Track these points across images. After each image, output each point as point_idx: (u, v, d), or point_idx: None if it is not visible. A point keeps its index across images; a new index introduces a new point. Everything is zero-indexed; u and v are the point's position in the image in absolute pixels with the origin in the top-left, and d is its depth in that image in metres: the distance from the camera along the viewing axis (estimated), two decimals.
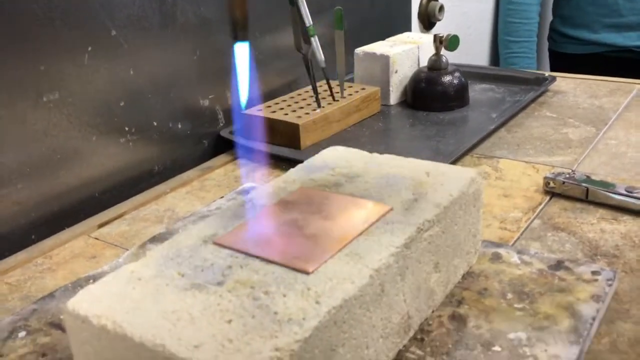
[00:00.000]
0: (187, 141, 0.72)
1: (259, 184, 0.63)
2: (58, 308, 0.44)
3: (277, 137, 0.72)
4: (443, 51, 0.83)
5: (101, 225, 0.59)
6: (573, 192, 0.58)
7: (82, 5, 0.59)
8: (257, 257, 0.35)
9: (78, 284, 0.47)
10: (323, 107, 0.75)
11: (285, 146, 0.72)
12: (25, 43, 0.55)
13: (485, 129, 0.73)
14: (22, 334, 0.42)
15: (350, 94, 0.80)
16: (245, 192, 0.59)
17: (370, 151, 0.71)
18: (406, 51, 0.85)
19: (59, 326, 0.42)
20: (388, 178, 0.44)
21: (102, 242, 0.56)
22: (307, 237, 0.37)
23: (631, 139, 0.71)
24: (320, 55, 0.74)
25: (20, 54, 0.54)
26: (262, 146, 0.72)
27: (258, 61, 0.80)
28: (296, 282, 0.33)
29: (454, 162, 0.66)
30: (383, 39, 0.92)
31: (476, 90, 0.89)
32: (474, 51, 1.48)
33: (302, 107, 0.76)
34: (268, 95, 0.81)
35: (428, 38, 0.89)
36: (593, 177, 0.59)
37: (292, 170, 0.47)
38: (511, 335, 0.39)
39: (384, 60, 0.83)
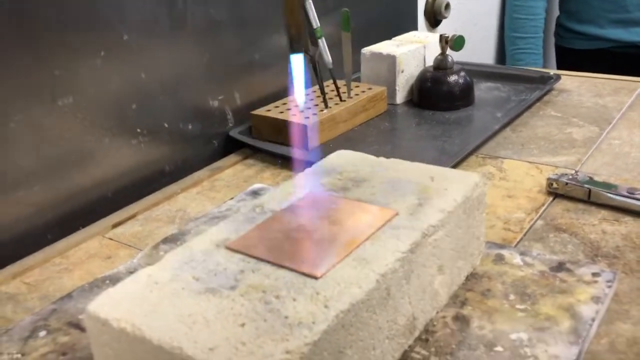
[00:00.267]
0: (197, 142, 0.73)
1: (268, 184, 0.64)
2: (76, 308, 0.46)
3: (285, 138, 0.74)
4: (449, 51, 0.84)
5: (115, 226, 0.61)
6: (576, 193, 0.59)
7: (94, 11, 0.60)
8: (268, 261, 0.37)
9: (95, 285, 0.49)
10: (330, 107, 0.77)
11: (293, 146, 0.73)
12: (40, 49, 0.56)
13: (490, 128, 0.74)
14: (42, 333, 0.44)
15: (357, 94, 0.81)
16: (255, 192, 0.61)
17: (377, 151, 0.73)
18: (412, 51, 0.86)
19: (77, 326, 0.44)
20: (394, 183, 0.46)
21: (116, 243, 0.58)
22: (315, 242, 0.39)
23: (634, 139, 0.72)
24: (327, 57, 0.75)
25: (36, 60, 0.56)
26: (270, 146, 0.74)
27: (266, 62, 0.81)
28: (305, 286, 0.34)
29: (459, 163, 0.68)
30: (389, 37, 0.93)
31: (482, 89, 0.90)
32: (481, 48, 1.49)
33: (309, 108, 0.77)
34: (275, 95, 0.82)
35: (434, 37, 0.90)
36: (596, 178, 0.60)
37: (300, 174, 0.49)
38: (513, 336, 0.40)
39: (391, 60, 0.85)
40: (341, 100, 0.79)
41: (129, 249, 0.57)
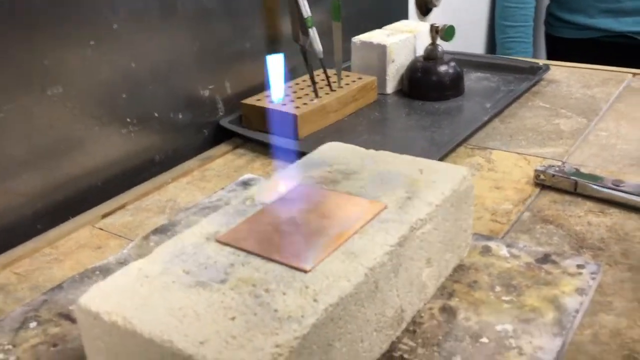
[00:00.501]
0: (187, 131, 0.73)
1: (258, 175, 0.64)
2: (67, 299, 0.46)
3: (275, 127, 0.74)
4: (439, 40, 0.84)
5: (105, 216, 0.61)
6: (562, 185, 0.60)
7: (83, 0, 0.60)
8: (258, 255, 0.37)
9: (85, 275, 0.49)
10: (320, 97, 0.77)
11: (283, 136, 0.73)
12: (30, 39, 0.56)
13: (479, 119, 0.75)
14: (33, 324, 0.44)
15: (348, 84, 0.81)
16: (245, 183, 0.61)
17: (367, 141, 0.73)
18: (403, 40, 0.86)
19: (68, 317, 0.44)
20: (383, 175, 0.46)
21: (106, 233, 0.58)
22: (305, 235, 0.39)
23: (621, 131, 0.72)
24: (318, 46, 0.75)
25: (25, 50, 0.56)
26: (260, 136, 0.74)
27: (256, 51, 0.81)
28: (295, 280, 0.35)
29: (448, 154, 0.68)
30: (380, 26, 0.93)
31: (471, 79, 0.90)
32: (472, 36, 1.49)
33: (300, 97, 0.77)
34: (267, 85, 0.82)
35: (425, 27, 0.90)
36: (582, 170, 0.61)
37: (291, 166, 0.49)
38: (498, 327, 0.41)
39: (381, 49, 0.85)
40: (331, 89, 0.79)
41: (119, 239, 0.57)
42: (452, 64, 0.84)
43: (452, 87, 0.84)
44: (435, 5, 1.22)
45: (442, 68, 0.84)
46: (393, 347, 0.40)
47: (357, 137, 0.74)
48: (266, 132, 0.74)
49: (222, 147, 0.75)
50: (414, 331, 0.41)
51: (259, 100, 0.77)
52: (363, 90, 0.82)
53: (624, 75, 0.90)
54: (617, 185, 0.57)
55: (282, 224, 0.40)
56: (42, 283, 0.51)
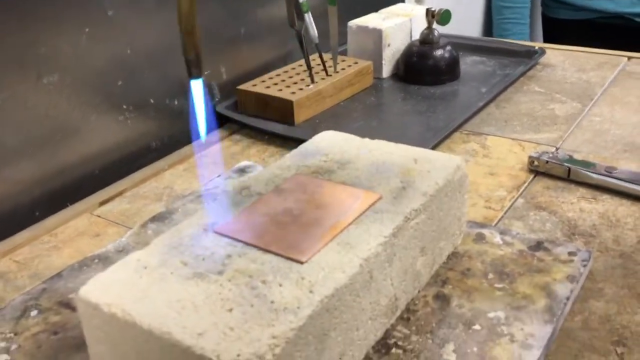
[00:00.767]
0: (183, 117, 0.73)
1: (254, 161, 0.65)
2: (66, 287, 0.47)
3: (271, 113, 0.74)
4: (435, 25, 0.84)
5: (103, 203, 0.61)
6: (556, 171, 0.60)
7: None
8: (255, 246, 0.38)
9: (84, 264, 0.49)
10: (316, 82, 0.77)
11: (279, 122, 0.73)
12: (24, 27, 0.56)
13: (474, 104, 0.75)
14: (34, 312, 0.45)
15: (343, 68, 0.81)
16: (241, 170, 0.62)
17: (363, 127, 0.73)
18: (399, 24, 0.86)
19: (68, 305, 0.45)
20: (378, 165, 0.46)
21: (104, 220, 0.59)
22: (301, 226, 0.40)
23: (615, 116, 0.73)
24: (314, 31, 0.75)
25: (20, 38, 0.55)
26: (256, 122, 0.74)
27: (252, 36, 0.80)
28: (291, 271, 0.36)
29: (443, 140, 0.68)
30: (376, 9, 0.93)
31: (467, 63, 0.90)
32: (468, 17, 1.48)
33: (295, 83, 0.77)
34: (262, 69, 0.82)
35: (421, 10, 0.89)
36: (575, 156, 0.62)
37: (287, 155, 0.49)
38: (491, 315, 0.42)
39: (377, 34, 0.85)
40: (327, 74, 0.79)
41: (117, 226, 0.57)
42: (448, 48, 0.84)
43: (448, 72, 0.84)
44: None
45: (438, 52, 0.84)
46: (387, 334, 0.41)
47: (353, 123, 0.74)
48: (262, 118, 0.74)
49: (218, 133, 0.75)
50: (408, 319, 0.42)
51: (254, 85, 0.77)
52: (359, 75, 0.82)
53: (620, 59, 0.91)
54: (610, 172, 0.58)
55: (278, 215, 0.41)
56: (41, 271, 0.51)
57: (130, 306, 0.33)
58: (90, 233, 0.57)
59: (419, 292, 0.44)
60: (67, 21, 0.59)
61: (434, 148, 0.66)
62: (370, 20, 0.87)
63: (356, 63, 0.83)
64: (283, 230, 0.39)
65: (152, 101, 0.69)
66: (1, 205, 0.57)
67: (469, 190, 0.49)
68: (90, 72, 0.62)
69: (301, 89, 0.75)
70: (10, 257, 0.54)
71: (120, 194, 0.63)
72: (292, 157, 0.49)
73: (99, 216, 0.59)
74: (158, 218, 0.55)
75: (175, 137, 0.72)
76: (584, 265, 0.46)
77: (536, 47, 0.92)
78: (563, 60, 0.92)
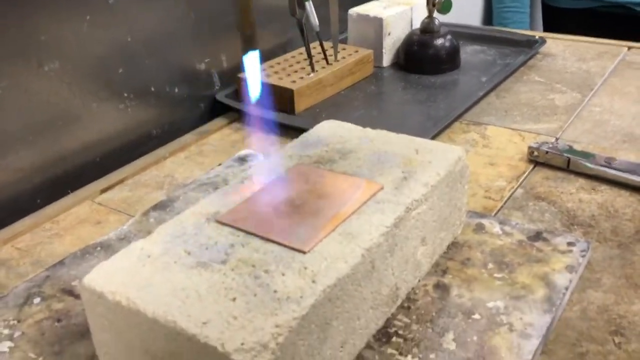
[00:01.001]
0: (184, 105, 0.73)
1: (255, 150, 0.65)
2: (69, 275, 0.47)
3: (271, 102, 0.74)
4: (436, 13, 0.84)
5: (104, 191, 0.61)
6: (555, 162, 0.61)
7: None
8: (258, 235, 0.38)
9: (86, 252, 0.50)
10: (317, 71, 0.77)
11: (279, 110, 0.73)
12: (25, 15, 0.55)
13: (475, 94, 0.75)
14: (37, 300, 0.45)
15: (344, 57, 0.81)
16: (242, 159, 0.62)
17: (364, 116, 0.73)
18: (399, 13, 0.86)
19: (71, 292, 0.45)
20: (379, 155, 0.47)
21: (105, 208, 0.59)
22: (303, 215, 0.40)
23: (614, 106, 0.73)
24: (314, 20, 0.75)
25: (21, 26, 0.55)
26: (256, 110, 0.74)
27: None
28: (294, 261, 0.36)
29: (443, 129, 0.69)
30: None
31: (468, 52, 0.90)
32: (469, 6, 1.48)
33: (296, 71, 0.77)
34: (262, 57, 0.82)
35: None
36: (575, 147, 0.62)
37: (288, 145, 0.49)
38: (490, 304, 0.42)
39: (378, 22, 0.84)
40: (328, 63, 0.79)
41: (119, 214, 0.58)
42: (449, 37, 0.84)
43: (449, 61, 0.84)
44: None
45: (439, 41, 0.84)
46: (388, 323, 0.41)
47: (354, 112, 0.74)
48: (262, 107, 0.74)
49: (219, 121, 0.75)
50: (409, 308, 0.42)
51: None
52: (359, 64, 0.82)
53: (620, 49, 0.91)
54: (609, 163, 0.58)
55: (281, 204, 0.41)
56: (43, 258, 0.52)
57: (134, 294, 0.34)
58: (92, 220, 0.57)
59: (419, 281, 0.45)
60: (68, 9, 0.59)
61: (434, 138, 0.66)
62: (371, 8, 0.87)
63: (357, 52, 0.83)
64: (285, 220, 0.40)
65: (152, 89, 0.69)
66: (2, 193, 0.57)
67: (469, 181, 0.49)
68: (91, 59, 0.62)
69: (302, 78, 0.75)
70: (12, 245, 0.54)
71: (121, 181, 0.63)
72: (293, 147, 0.49)
73: (100, 204, 0.59)
74: (159, 206, 0.55)
75: (176, 124, 0.72)
76: (583, 256, 0.47)
77: (537, 37, 0.92)
78: (563, 50, 0.91)
